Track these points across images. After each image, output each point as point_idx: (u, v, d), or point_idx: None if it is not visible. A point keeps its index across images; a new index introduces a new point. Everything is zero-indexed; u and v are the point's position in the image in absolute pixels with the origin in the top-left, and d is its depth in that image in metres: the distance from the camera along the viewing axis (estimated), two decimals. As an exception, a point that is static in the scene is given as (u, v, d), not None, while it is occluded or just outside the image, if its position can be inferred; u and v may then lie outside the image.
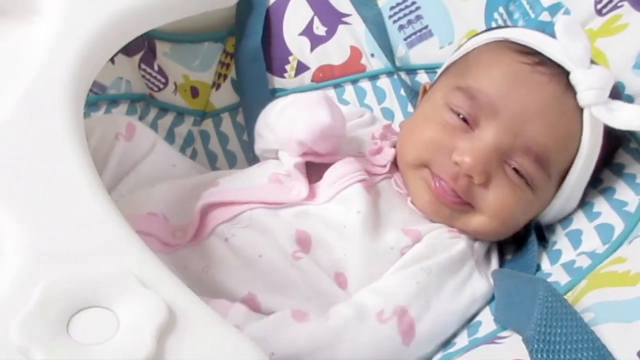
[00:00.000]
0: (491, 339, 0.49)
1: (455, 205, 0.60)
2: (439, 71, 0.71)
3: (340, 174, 0.61)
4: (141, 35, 0.77)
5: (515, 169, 0.58)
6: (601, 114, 0.56)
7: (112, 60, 0.79)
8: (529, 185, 0.59)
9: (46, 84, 0.50)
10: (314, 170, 0.63)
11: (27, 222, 0.38)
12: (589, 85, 0.56)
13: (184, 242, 0.59)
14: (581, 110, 0.57)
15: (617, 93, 0.60)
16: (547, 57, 0.59)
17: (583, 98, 0.57)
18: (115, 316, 0.34)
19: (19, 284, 0.35)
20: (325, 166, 0.63)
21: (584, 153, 0.58)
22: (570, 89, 0.58)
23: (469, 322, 0.57)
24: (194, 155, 0.86)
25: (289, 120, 0.62)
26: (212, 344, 0.35)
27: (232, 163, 0.85)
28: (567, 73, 0.58)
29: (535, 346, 0.38)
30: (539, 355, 0.37)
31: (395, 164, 0.66)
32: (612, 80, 0.57)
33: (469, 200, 0.59)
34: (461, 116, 0.60)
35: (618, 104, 0.56)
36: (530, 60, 0.60)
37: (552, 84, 0.58)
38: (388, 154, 0.66)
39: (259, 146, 0.72)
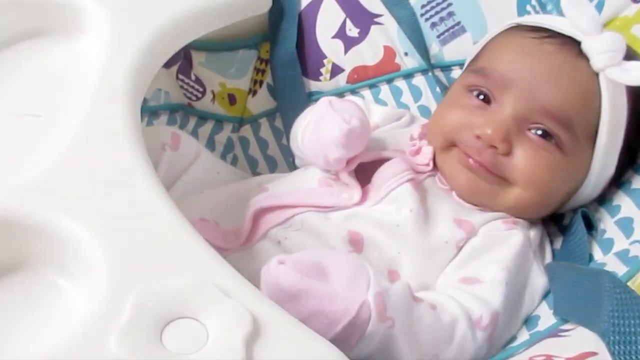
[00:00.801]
0: (554, 331, 0.50)
1: (489, 176, 0.60)
2: (464, 66, 0.73)
3: (389, 175, 0.62)
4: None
5: (538, 134, 0.59)
6: (616, 74, 0.57)
7: (151, 72, 0.80)
8: (558, 147, 0.59)
9: (104, 102, 0.52)
10: (360, 169, 0.64)
11: (107, 238, 0.40)
12: (600, 50, 0.57)
13: (236, 246, 0.61)
14: (597, 75, 0.59)
15: (633, 55, 0.61)
16: (557, 31, 0.61)
17: (596, 62, 0.58)
18: (204, 326, 0.36)
19: (109, 299, 0.36)
20: (371, 164, 0.64)
21: (607, 114, 0.59)
22: (582, 57, 0.59)
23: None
24: (234, 162, 0.87)
25: (314, 146, 0.63)
26: (297, 350, 0.36)
27: (272, 168, 0.86)
28: (578, 43, 0.59)
29: (612, 338, 0.38)
30: (617, 347, 0.37)
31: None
32: (623, 43, 0.58)
33: (500, 172, 0.60)
34: (480, 96, 0.62)
35: (632, 63, 0.57)
36: (539, 35, 0.62)
37: (562, 52, 0.60)
38: (427, 152, 0.66)
39: (297, 161, 0.73)
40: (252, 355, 0.35)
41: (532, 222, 0.64)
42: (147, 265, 0.38)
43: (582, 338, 0.44)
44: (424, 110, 0.82)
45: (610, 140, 0.60)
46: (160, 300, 0.35)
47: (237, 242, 0.61)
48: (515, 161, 0.60)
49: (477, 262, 0.58)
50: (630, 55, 0.60)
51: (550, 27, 0.62)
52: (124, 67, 0.56)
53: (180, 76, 0.84)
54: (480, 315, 0.53)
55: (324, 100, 0.63)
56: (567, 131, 0.59)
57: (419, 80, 0.83)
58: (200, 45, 0.85)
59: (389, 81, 0.84)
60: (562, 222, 0.68)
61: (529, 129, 0.60)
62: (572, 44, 0.60)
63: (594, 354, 0.40)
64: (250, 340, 0.35)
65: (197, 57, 0.86)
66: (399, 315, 0.48)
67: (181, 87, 0.84)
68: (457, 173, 0.62)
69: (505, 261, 0.57)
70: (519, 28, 0.66)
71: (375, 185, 0.63)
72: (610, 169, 0.62)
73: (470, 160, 0.61)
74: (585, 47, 0.59)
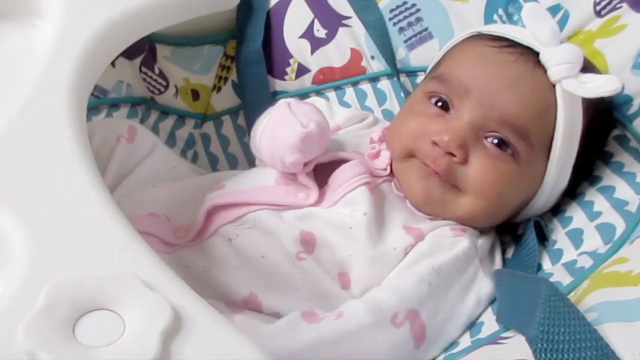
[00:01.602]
0: (494, 339, 0.49)
1: (442, 184, 0.60)
2: (425, 73, 0.73)
3: (346, 177, 0.62)
4: (142, 39, 0.77)
5: (494, 143, 0.59)
6: (572, 86, 0.57)
7: (112, 63, 0.79)
8: (513, 157, 0.60)
9: (48, 88, 0.51)
10: (320, 169, 0.64)
11: (31, 225, 0.38)
12: (558, 61, 0.58)
13: (185, 242, 0.60)
14: (554, 86, 0.59)
15: (590, 68, 0.62)
16: (517, 41, 0.62)
17: (553, 74, 0.58)
18: (121, 318, 0.35)
19: (25, 287, 0.35)
20: (330, 164, 0.64)
21: (562, 125, 0.59)
22: (540, 67, 0.59)
23: (473, 322, 0.57)
24: (195, 158, 0.86)
25: (271, 149, 0.61)
26: (218, 345, 0.35)
27: (233, 165, 0.85)
28: (536, 54, 0.60)
29: (539, 346, 0.38)
30: (543, 355, 0.37)
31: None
32: (581, 55, 0.59)
33: (453, 181, 0.60)
34: (438, 103, 0.62)
35: (589, 76, 0.58)
36: (498, 44, 0.62)
37: (519, 62, 0.60)
38: (386, 157, 0.66)
39: (258, 163, 0.72)
40: (170, 349, 0.34)
41: (482, 231, 0.64)
42: (70, 254, 0.37)
43: (517, 345, 0.44)
44: (388, 114, 0.82)
45: (565, 152, 0.60)
46: (77, 289, 0.34)
47: (187, 237, 0.60)
48: (470, 170, 0.60)
49: (419, 266, 0.57)
50: (587, 68, 0.60)
51: (510, 37, 0.63)
52: (74, 55, 0.55)
53: (144, 69, 0.83)
54: (396, 312, 0.53)
55: (282, 103, 0.62)
56: (523, 141, 0.59)
57: (384, 84, 0.83)
58: (166, 39, 0.85)
59: (354, 84, 0.84)
60: (517, 231, 0.68)
61: (486, 137, 0.60)
62: (531, 55, 0.60)
63: (525, 361, 0.40)
64: (170, 334, 0.34)
65: (163, 51, 0.85)
66: (280, 353, 0.49)
67: (144, 80, 0.83)
68: (412, 183, 0.62)
69: (438, 263, 0.57)
70: (479, 37, 0.66)
71: (331, 187, 0.62)
72: (564, 180, 0.62)
73: (428, 169, 0.61)
74: (543, 57, 0.59)
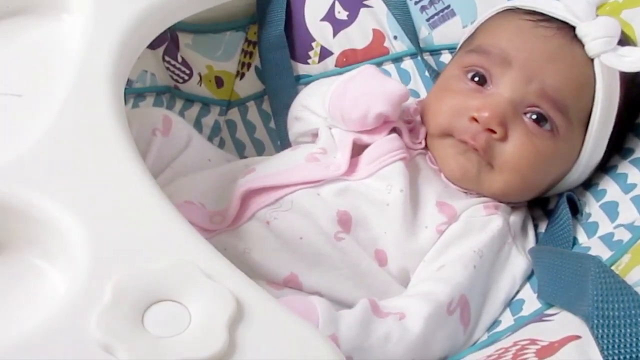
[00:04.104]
0: (538, 316, 0.50)
1: (479, 160, 0.60)
2: (457, 49, 0.72)
3: (384, 151, 0.62)
4: (163, 28, 0.77)
5: (533, 119, 0.59)
6: (610, 60, 0.57)
7: (136, 54, 0.79)
8: (551, 133, 0.59)
9: (87, 83, 0.51)
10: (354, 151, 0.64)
11: (89, 222, 0.39)
12: (595, 36, 0.57)
13: (223, 227, 0.60)
14: (592, 60, 0.59)
15: (627, 40, 0.62)
16: (551, 15, 0.61)
17: (591, 48, 0.58)
18: (186, 309, 0.35)
19: (90, 283, 0.35)
20: (364, 146, 0.64)
21: (600, 100, 0.59)
22: (577, 42, 0.59)
23: (511, 300, 0.58)
24: (221, 145, 0.86)
25: (357, 97, 0.62)
26: (280, 332, 0.36)
27: (260, 151, 0.85)
28: (572, 28, 0.59)
29: (596, 322, 0.38)
30: (600, 331, 0.37)
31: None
32: (618, 28, 0.58)
33: (490, 158, 0.60)
34: (475, 78, 0.62)
35: (627, 49, 0.57)
36: (534, 18, 0.61)
37: (557, 36, 0.60)
38: (422, 131, 0.66)
39: (295, 131, 0.72)
40: (235, 338, 0.35)
41: (514, 206, 0.64)
42: (129, 248, 0.38)
43: (566, 322, 0.44)
44: (413, 94, 0.81)
45: (602, 127, 0.60)
46: (142, 282, 0.35)
47: (224, 223, 0.60)
48: (507, 148, 0.59)
49: (455, 249, 0.58)
50: (624, 41, 0.59)
51: (545, 12, 0.62)
52: (107, 48, 0.55)
53: (167, 58, 0.83)
54: (450, 299, 0.54)
55: (372, 66, 0.65)
56: (562, 115, 0.59)
57: (407, 64, 0.83)
58: (187, 27, 0.84)
59: (378, 65, 0.83)
60: (547, 206, 0.68)
61: (525, 113, 0.60)
62: (567, 29, 0.60)
63: (578, 337, 0.41)
64: (233, 323, 0.35)
65: (184, 39, 0.84)
66: (356, 347, 0.48)
67: (167, 69, 0.83)
68: (449, 159, 0.62)
69: (479, 245, 0.57)
70: (514, 10, 0.65)
71: (367, 159, 0.62)
72: (599, 155, 0.62)
73: (466, 146, 0.60)
74: (580, 32, 0.59)
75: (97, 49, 0.54)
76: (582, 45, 0.59)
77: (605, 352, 0.36)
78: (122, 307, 0.34)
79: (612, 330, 0.37)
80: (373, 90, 0.61)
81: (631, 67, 0.56)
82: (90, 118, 0.46)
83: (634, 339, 0.36)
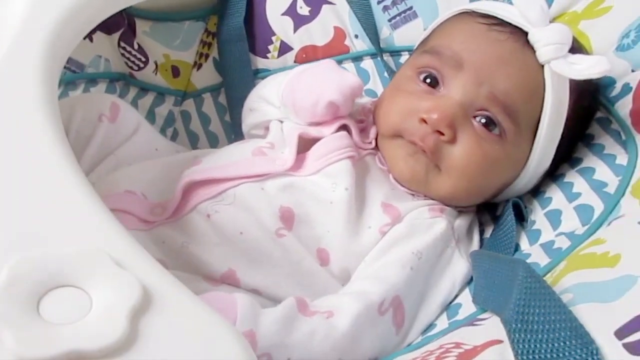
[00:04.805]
0: (471, 320, 0.49)
1: (427, 162, 0.60)
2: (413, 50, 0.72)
3: (331, 148, 0.61)
4: (120, 13, 0.76)
5: (482, 123, 0.59)
6: (560, 67, 0.57)
7: (90, 37, 0.77)
8: (499, 137, 0.59)
9: (17, 62, 0.49)
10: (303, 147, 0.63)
11: (-4, 200, 0.37)
12: (546, 42, 0.57)
13: (163, 219, 0.59)
14: (542, 67, 0.58)
15: (579, 48, 0.62)
16: (505, 20, 0.61)
17: (542, 54, 0.58)
18: (88, 295, 0.34)
19: (-12, 263, 0.34)
20: (312, 142, 0.63)
21: (549, 106, 0.59)
22: (529, 47, 0.59)
23: (449, 304, 0.57)
24: (174, 136, 0.85)
25: (311, 85, 0.61)
26: (188, 324, 0.35)
27: (213, 144, 0.84)
28: (525, 34, 0.59)
29: (514, 326, 0.37)
30: (517, 335, 0.37)
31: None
32: (569, 35, 0.58)
33: (438, 161, 0.59)
34: (427, 80, 0.62)
35: (577, 57, 0.57)
36: (488, 22, 0.62)
37: (509, 41, 0.60)
38: (372, 131, 0.65)
39: (249, 122, 0.71)
40: (138, 327, 0.33)
41: (462, 210, 0.64)
42: (35, 231, 0.36)
43: (493, 326, 0.43)
44: (371, 94, 0.81)
45: (551, 133, 0.60)
46: (42, 266, 0.33)
47: (164, 215, 0.59)
48: (455, 150, 0.59)
49: (396, 250, 0.57)
50: (576, 49, 0.59)
51: (499, 16, 0.62)
52: (44, 28, 0.53)
53: (122, 44, 0.81)
54: (382, 299, 0.53)
55: (330, 60, 0.65)
56: (511, 120, 0.59)
57: (367, 63, 0.82)
58: (146, 13, 0.83)
59: (338, 63, 0.82)
60: (496, 211, 0.68)
61: (474, 116, 0.59)
62: (520, 34, 0.59)
63: (499, 341, 0.40)
64: (138, 313, 0.34)
65: (142, 26, 0.83)
66: (276, 344, 0.47)
67: (123, 55, 0.82)
68: (398, 160, 0.62)
69: (419, 247, 0.57)
70: (469, 14, 0.65)
71: (314, 155, 0.61)
72: (547, 162, 0.62)
73: (415, 147, 0.60)
74: (532, 38, 0.58)
75: (32, 27, 0.52)
76: (534, 51, 0.58)
77: (520, 357, 0.36)
78: (16, 291, 0.32)
79: (529, 335, 0.36)
80: (327, 79, 0.61)
81: (580, 74, 0.56)
82: (14, 96, 0.44)
83: (550, 345, 0.35)
